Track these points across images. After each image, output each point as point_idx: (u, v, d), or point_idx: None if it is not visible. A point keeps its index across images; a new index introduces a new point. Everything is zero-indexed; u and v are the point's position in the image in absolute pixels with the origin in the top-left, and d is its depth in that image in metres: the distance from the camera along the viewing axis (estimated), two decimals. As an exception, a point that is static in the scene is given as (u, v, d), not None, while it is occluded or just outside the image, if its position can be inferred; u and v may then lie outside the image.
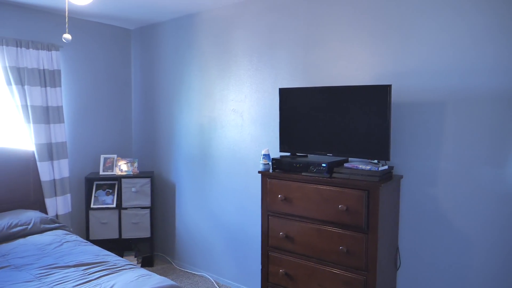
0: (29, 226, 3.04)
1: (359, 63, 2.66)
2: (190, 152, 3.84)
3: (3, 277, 2.30)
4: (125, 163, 3.95)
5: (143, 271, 2.41)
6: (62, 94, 3.77)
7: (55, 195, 3.65)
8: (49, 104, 3.59)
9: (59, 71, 3.66)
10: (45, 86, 3.57)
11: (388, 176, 2.36)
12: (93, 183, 3.90)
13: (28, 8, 3.54)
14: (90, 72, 4.05)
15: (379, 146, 2.29)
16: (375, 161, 2.37)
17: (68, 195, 3.76)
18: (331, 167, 2.41)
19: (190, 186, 3.87)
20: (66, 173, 3.73)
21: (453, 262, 2.35)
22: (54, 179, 3.65)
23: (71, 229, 3.39)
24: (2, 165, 3.34)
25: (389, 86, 2.23)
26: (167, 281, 2.28)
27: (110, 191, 3.89)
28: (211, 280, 3.68)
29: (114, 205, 3.80)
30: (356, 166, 2.31)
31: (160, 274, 3.09)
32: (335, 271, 2.35)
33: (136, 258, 3.92)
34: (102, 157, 3.96)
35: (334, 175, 2.37)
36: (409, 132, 2.47)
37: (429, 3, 2.36)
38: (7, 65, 3.32)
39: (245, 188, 3.38)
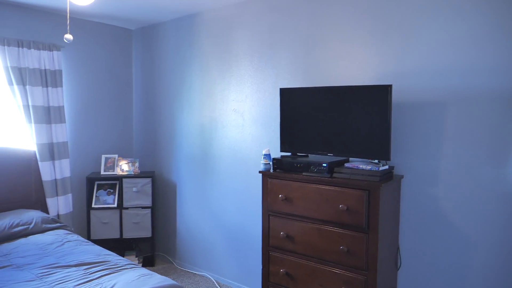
0: (31, 226, 3.05)
1: (360, 63, 2.66)
2: (191, 152, 3.85)
3: (5, 277, 2.31)
4: (126, 163, 3.96)
5: (144, 270, 2.42)
6: (64, 94, 3.78)
7: (57, 195, 3.66)
8: (51, 104, 3.60)
9: (60, 71, 3.67)
10: (47, 86, 3.58)
11: (388, 176, 2.36)
12: (94, 183, 3.91)
13: (30, 9, 3.55)
14: (91, 72, 4.06)
15: (379, 146, 2.30)
16: (376, 161, 2.38)
17: (70, 195, 3.77)
18: (332, 167, 2.41)
19: (191, 186, 3.88)
20: (67, 173, 3.74)
21: (453, 262, 2.35)
22: (55, 179, 3.66)
23: (72, 229, 3.40)
24: (3, 165, 3.35)
25: (390, 86, 2.24)
26: (168, 281, 2.29)
27: (111, 191, 3.90)
28: (212, 280, 3.68)
29: (115, 205, 3.81)
30: (357, 166, 2.32)
31: (161, 274, 3.10)
32: (336, 270, 2.35)
33: (137, 258, 3.93)
34: (103, 157, 3.97)
35: (335, 175, 2.38)
36: (409, 132, 2.47)
37: (429, 3, 2.36)
38: (8, 65, 3.33)
39: (246, 188, 3.39)
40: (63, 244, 2.85)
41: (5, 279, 2.28)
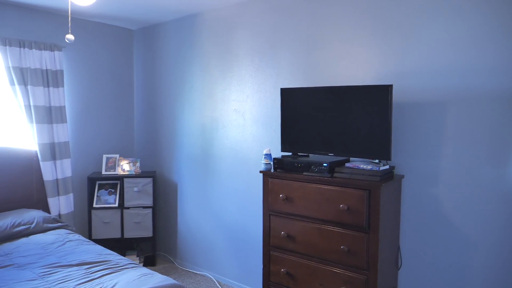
0: (32, 225, 3.06)
1: (360, 63, 2.66)
2: (192, 152, 3.86)
3: (7, 276, 2.32)
4: (127, 163, 3.97)
5: (145, 270, 2.42)
6: (65, 94, 3.79)
7: (58, 195, 3.67)
8: (52, 104, 3.61)
9: (61, 71, 3.68)
10: (48, 86, 3.59)
11: (389, 175, 2.37)
12: (95, 182, 3.92)
13: (31, 9, 3.56)
14: (92, 72, 4.07)
15: (380, 146, 2.30)
16: (376, 160, 2.38)
17: (71, 195, 3.78)
18: (332, 167, 2.42)
19: (192, 186, 3.89)
20: (68, 173, 3.75)
21: (454, 262, 2.36)
22: (56, 179, 3.67)
23: (74, 229, 3.40)
24: (5, 165, 3.36)
25: (390, 86, 2.24)
26: (169, 280, 2.29)
27: (113, 190, 3.91)
28: (213, 280, 3.69)
29: (117, 205, 3.82)
30: (357, 166, 2.32)
31: (162, 274, 3.10)
32: (336, 270, 2.36)
33: (138, 258, 3.93)
34: (105, 156, 3.98)
35: (335, 174, 2.38)
36: (410, 132, 2.48)
37: (429, 4, 2.36)
38: (10, 65, 3.34)
39: (247, 188, 3.39)
40: (64, 244, 2.86)
41: (7, 278, 2.28)
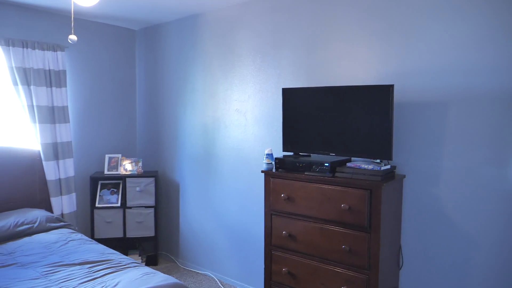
0: (35, 225, 3.08)
1: (362, 63, 2.67)
2: (194, 151, 3.87)
3: (10, 275, 2.34)
4: (129, 163, 3.98)
5: (148, 269, 2.43)
6: (68, 94, 3.80)
7: (61, 194, 3.69)
8: (55, 104, 3.62)
9: (64, 72, 3.69)
10: (51, 86, 3.61)
11: (390, 175, 2.37)
12: (98, 182, 3.94)
13: (34, 9, 3.58)
14: (95, 73, 4.09)
15: (381, 146, 2.30)
16: (378, 160, 2.38)
17: (73, 194, 3.79)
18: (334, 167, 2.42)
19: (194, 186, 3.90)
20: (71, 173, 3.76)
21: (455, 261, 2.36)
22: (59, 178, 3.69)
23: (76, 228, 3.42)
24: (8, 165, 3.38)
25: (392, 86, 2.25)
26: (171, 279, 2.30)
27: (115, 190, 3.92)
28: (215, 279, 3.70)
29: (119, 204, 3.83)
30: (359, 166, 2.33)
31: (164, 273, 3.11)
32: (338, 270, 2.36)
33: (140, 257, 3.95)
34: (107, 156, 3.99)
35: (337, 174, 2.39)
36: (411, 132, 2.48)
37: (430, 4, 2.37)
38: (13, 65, 3.36)
39: (249, 188, 3.40)
40: (67, 243, 2.87)
41: (10, 277, 2.30)
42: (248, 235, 3.44)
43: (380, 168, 2.24)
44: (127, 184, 3.83)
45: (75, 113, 3.94)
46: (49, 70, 3.58)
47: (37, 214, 3.20)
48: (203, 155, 3.78)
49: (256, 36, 3.27)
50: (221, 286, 3.57)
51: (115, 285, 2.20)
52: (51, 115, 3.61)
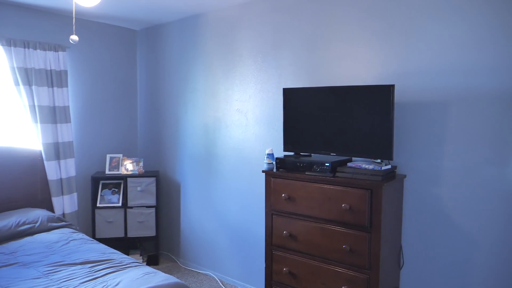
0: (37, 224, 3.09)
1: (363, 63, 2.67)
2: (195, 151, 3.87)
3: (12, 274, 2.35)
4: (130, 163, 3.99)
5: (149, 269, 2.44)
6: (69, 94, 3.81)
7: (62, 194, 3.70)
8: (56, 104, 3.63)
9: (65, 72, 3.70)
10: (52, 87, 3.62)
11: (391, 175, 2.37)
12: (99, 182, 3.94)
13: (36, 10, 3.59)
14: (96, 73, 4.10)
15: (382, 146, 2.31)
16: (378, 160, 2.39)
17: (75, 194, 3.80)
18: (335, 167, 2.42)
19: (195, 186, 3.90)
20: (72, 172, 3.77)
21: (456, 261, 2.36)
22: (61, 178, 3.70)
23: (78, 228, 3.43)
24: (10, 164, 3.39)
25: (392, 86, 2.25)
26: (172, 279, 2.31)
27: (116, 190, 3.93)
28: (215, 279, 3.71)
29: (120, 204, 3.84)
30: (360, 166, 2.33)
31: (165, 273, 3.12)
32: (338, 269, 2.37)
33: (141, 257, 3.95)
34: (108, 156, 4.00)
35: (338, 174, 2.39)
36: (412, 132, 2.48)
37: (431, 4, 2.37)
38: (15, 65, 3.36)
39: (249, 187, 3.40)
40: (68, 243, 2.88)
41: (12, 277, 2.31)
42: (249, 235, 3.45)
43: (381, 168, 2.25)
44: (128, 184, 3.83)
45: (77, 113, 3.95)
46: (51, 70, 3.59)
47: (39, 214, 3.21)
48: (204, 155, 3.78)
49: (257, 36, 3.27)
50: (222, 285, 3.58)
51: (116, 285, 2.20)
52: (53, 115, 3.62)
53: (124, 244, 4.04)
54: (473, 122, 2.26)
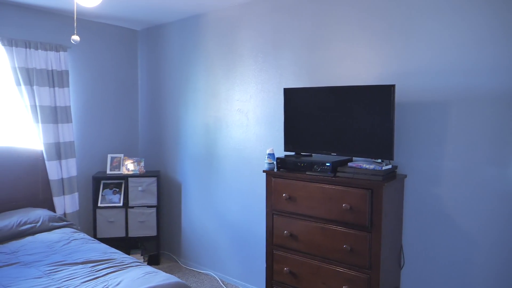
0: (38, 224, 3.10)
1: (363, 63, 2.67)
2: (196, 151, 3.88)
3: (14, 274, 2.35)
4: (131, 163, 3.99)
5: (150, 268, 2.45)
6: (70, 94, 3.82)
7: (63, 194, 3.71)
8: (57, 104, 3.64)
9: (67, 72, 3.71)
10: (53, 87, 3.62)
11: (392, 175, 2.37)
12: (100, 182, 3.95)
13: (37, 10, 3.60)
14: (97, 73, 4.10)
15: (383, 146, 2.31)
16: (379, 160, 2.39)
17: (76, 194, 3.81)
18: (335, 167, 2.43)
19: (195, 185, 3.91)
20: (74, 172, 3.78)
21: (456, 261, 2.36)
22: (62, 178, 3.70)
23: (79, 227, 3.44)
24: (11, 164, 3.40)
25: (393, 86, 2.25)
26: (173, 278, 2.32)
27: (117, 190, 3.94)
28: (216, 279, 3.71)
29: (121, 204, 3.85)
30: (360, 166, 2.33)
31: (166, 272, 3.13)
32: (339, 269, 2.37)
33: (142, 257, 3.96)
34: (109, 156, 4.01)
35: (338, 174, 2.39)
36: (412, 132, 2.48)
37: (431, 4, 2.37)
38: (16, 65, 3.37)
39: (250, 187, 3.41)
40: (69, 242, 2.89)
41: (13, 276, 2.32)
42: (249, 235, 3.45)
43: (381, 168, 2.25)
44: (129, 184, 3.84)
45: (78, 113, 3.96)
46: (52, 70, 3.60)
47: (40, 214, 3.22)
48: (205, 155, 3.79)
49: (257, 36, 3.28)
50: (223, 285, 3.58)
51: (117, 284, 2.21)
52: (54, 115, 3.63)
53: (125, 244, 4.05)
54: (473, 122, 2.26)
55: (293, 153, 2.81)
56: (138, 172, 3.97)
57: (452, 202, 2.36)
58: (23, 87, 3.42)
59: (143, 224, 3.86)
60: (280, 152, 2.99)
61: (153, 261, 4.03)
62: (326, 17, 2.85)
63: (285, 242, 2.62)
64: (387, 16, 2.55)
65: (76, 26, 3.80)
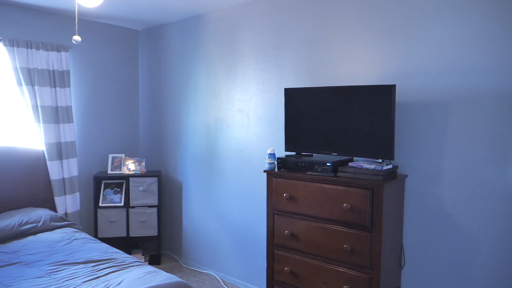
0: (39, 224, 3.11)
1: (364, 63, 2.68)
2: (197, 151, 3.89)
3: (15, 273, 2.36)
4: (132, 162, 4.00)
5: (151, 268, 2.45)
6: (71, 94, 3.83)
7: (64, 194, 3.72)
8: (59, 104, 3.65)
9: (68, 72, 3.72)
10: (55, 87, 3.63)
11: (392, 175, 2.38)
12: (101, 182, 3.96)
13: (38, 10, 3.60)
14: (98, 73, 4.11)
15: (383, 146, 2.31)
16: (380, 160, 2.39)
17: (77, 194, 3.82)
18: (336, 166, 2.43)
19: (196, 185, 3.91)
20: (75, 172, 3.79)
21: (457, 260, 2.36)
22: (63, 178, 3.71)
23: (80, 227, 3.44)
24: (13, 164, 3.41)
25: (393, 86, 2.25)
26: (174, 278, 2.32)
27: (118, 190, 3.94)
28: (217, 278, 3.72)
29: (122, 204, 3.85)
30: (361, 165, 2.34)
31: (167, 272, 3.13)
32: (340, 269, 2.37)
33: (143, 256, 3.97)
34: (110, 156, 4.02)
35: (339, 174, 2.40)
36: (413, 132, 2.49)
37: (432, 4, 2.37)
38: (18, 66, 3.38)
39: (251, 187, 3.41)
40: (71, 242, 2.90)
41: (15, 276, 2.32)
42: (250, 235, 3.46)
43: (382, 168, 2.25)
44: (130, 184, 3.85)
45: (79, 113, 3.97)
46: (53, 70, 3.61)
47: (41, 213, 3.23)
48: (206, 155, 3.79)
49: (258, 36, 3.28)
50: (224, 285, 3.59)
51: (118, 284, 2.22)
52: (55, 115, 3.64)
53: (126, 244, 4.05)
54: (473, 122, 2.27)
55: (293, 153, 2.81)
56: (139, 172, 3.97)
57: (453, 202, 2.36)
58: (24, 87, 3.43)
59: (144, 224, 3.87)
60: (281, 152, 3.00)
61: (154, 261, 4.04)
62: (326, 17, 2.86)
63: (285, 242, 2.62)
64: (387, 16, 2.56)
65: (78, 26, 3.81)
